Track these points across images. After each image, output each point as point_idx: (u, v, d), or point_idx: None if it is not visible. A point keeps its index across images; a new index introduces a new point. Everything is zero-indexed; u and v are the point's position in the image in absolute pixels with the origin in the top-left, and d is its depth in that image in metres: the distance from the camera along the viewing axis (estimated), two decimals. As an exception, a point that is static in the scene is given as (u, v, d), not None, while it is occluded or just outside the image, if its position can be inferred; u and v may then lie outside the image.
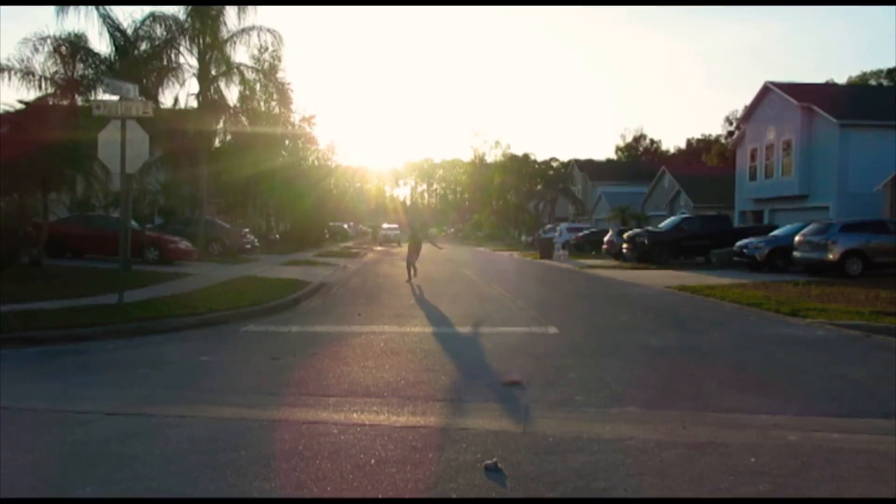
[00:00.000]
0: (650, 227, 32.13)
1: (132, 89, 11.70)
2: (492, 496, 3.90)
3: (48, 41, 19.09)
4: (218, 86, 24.32)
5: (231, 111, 25.37)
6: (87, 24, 23.18)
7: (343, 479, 4.08)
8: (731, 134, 67.57)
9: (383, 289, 16.91)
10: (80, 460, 4.42)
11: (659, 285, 17.49)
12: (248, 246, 28.89)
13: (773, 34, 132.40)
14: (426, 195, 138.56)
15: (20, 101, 18.06)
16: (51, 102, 18.80)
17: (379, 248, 45.11)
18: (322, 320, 11.24)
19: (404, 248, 23.81)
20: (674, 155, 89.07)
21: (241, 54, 53.62)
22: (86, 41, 19.50)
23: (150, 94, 19.64)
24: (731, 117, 78.03)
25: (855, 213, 24.89)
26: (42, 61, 19.15)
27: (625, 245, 28.77)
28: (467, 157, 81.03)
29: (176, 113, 23.32)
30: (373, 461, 4.39)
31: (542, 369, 7.34)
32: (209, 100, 23.96)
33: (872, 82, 62.75)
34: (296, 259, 26.14)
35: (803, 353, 8.56)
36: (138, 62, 20.02)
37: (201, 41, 23.20)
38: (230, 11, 23.27)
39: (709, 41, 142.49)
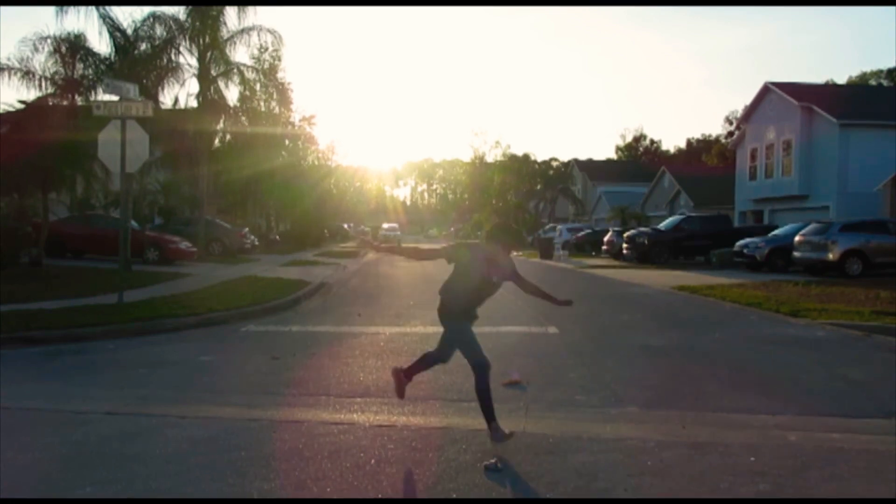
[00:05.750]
0: (650, 227, 32.11)
1: (132, 89, 11.71)
2: (492, 496, 3.90)
3: (48, 41, 19.16)
4: (218, 86, 24.35)
5: (231, 111, 25.40)
6: (87, 24, 23.35)
7: (343, 479, 4.07)
8: (731, 134, 67.53)
9: (383, 289, 16.91)
10: (80, 460, 4.41)
11: (659, 285, 17.48)
12: (248, 246, 28.88)
13: (773, 34, 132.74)
14: (426, 195, 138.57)
15: (20, 101, 18.08)
16: (51, 102, 18.85)
17: (379, 248, 44.98)
18: (322, 320, 11.23)
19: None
20: (674, 155, 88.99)
21: (241, 54, 53.71)
22: (86, 41, 19.59)
23: (150, 94, 19.68)
24: (731, 117, 78.03)
25: (855, 213, 24.89)
26: (42, 61, 19.26)
27: (625, 245, 28.75)
28: (467, 157, 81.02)
29: (176, 113, 23.35)
30: (373, 461, 4.39)
31: (542, 369, 7.34)
32: (209, 100, 23.96)
33: (872, 82, 62.73)
34: (296, 259, 26.12)
35: (803, 353, 8.55)
36: (138, 62, 20.06)
37: (201, 41, 23.21)
38: (230, 11, 23.34)
39: (709, 41, 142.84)
